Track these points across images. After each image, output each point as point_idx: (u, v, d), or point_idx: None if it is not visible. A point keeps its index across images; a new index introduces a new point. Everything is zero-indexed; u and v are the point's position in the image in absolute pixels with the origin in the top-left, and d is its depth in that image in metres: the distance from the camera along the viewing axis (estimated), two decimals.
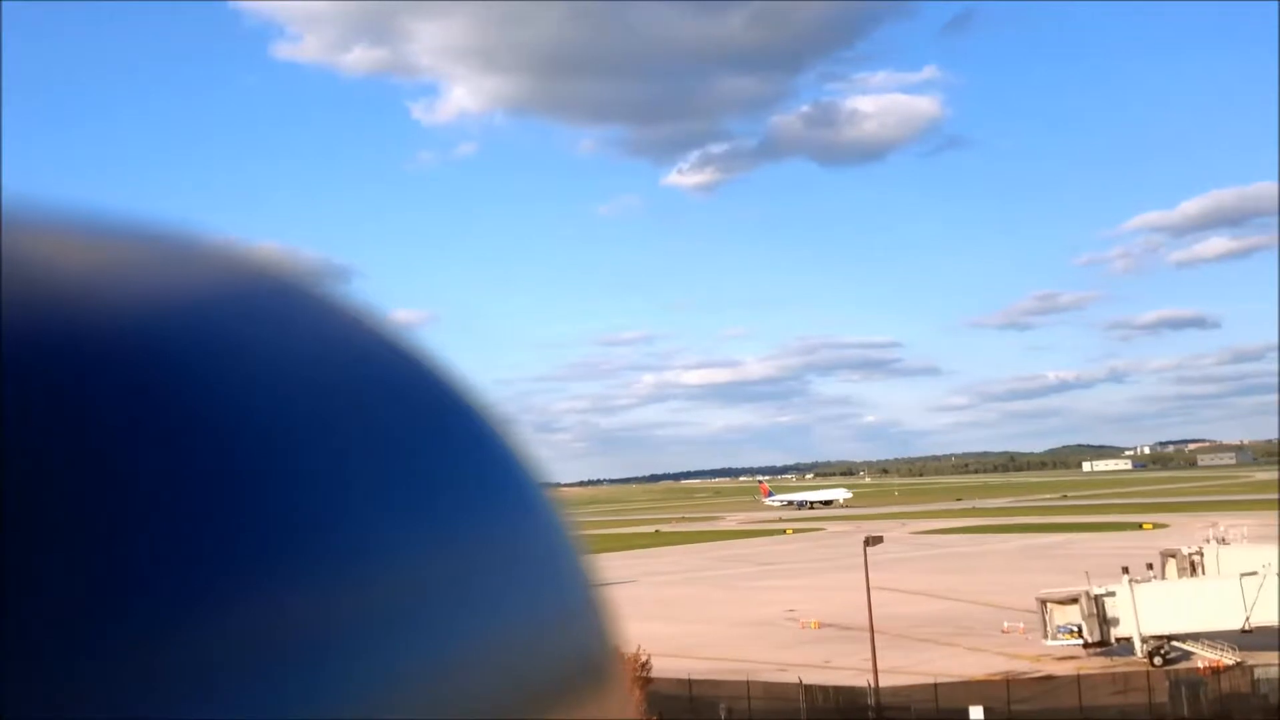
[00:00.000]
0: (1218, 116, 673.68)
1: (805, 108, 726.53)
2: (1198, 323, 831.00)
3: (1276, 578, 72.14)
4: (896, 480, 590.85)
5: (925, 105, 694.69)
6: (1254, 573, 72.68)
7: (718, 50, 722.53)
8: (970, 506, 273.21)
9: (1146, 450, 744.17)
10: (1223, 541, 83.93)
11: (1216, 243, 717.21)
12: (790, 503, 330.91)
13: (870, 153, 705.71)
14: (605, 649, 0.69)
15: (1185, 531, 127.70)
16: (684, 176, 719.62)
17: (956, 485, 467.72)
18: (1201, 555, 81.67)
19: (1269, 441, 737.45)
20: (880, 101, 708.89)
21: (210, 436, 0.43)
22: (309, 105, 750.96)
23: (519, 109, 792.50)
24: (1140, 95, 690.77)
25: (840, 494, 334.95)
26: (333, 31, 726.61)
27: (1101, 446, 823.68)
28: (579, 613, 0.67)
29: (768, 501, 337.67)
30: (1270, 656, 69.34)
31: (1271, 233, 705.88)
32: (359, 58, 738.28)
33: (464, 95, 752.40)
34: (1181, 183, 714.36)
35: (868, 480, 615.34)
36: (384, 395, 0.57)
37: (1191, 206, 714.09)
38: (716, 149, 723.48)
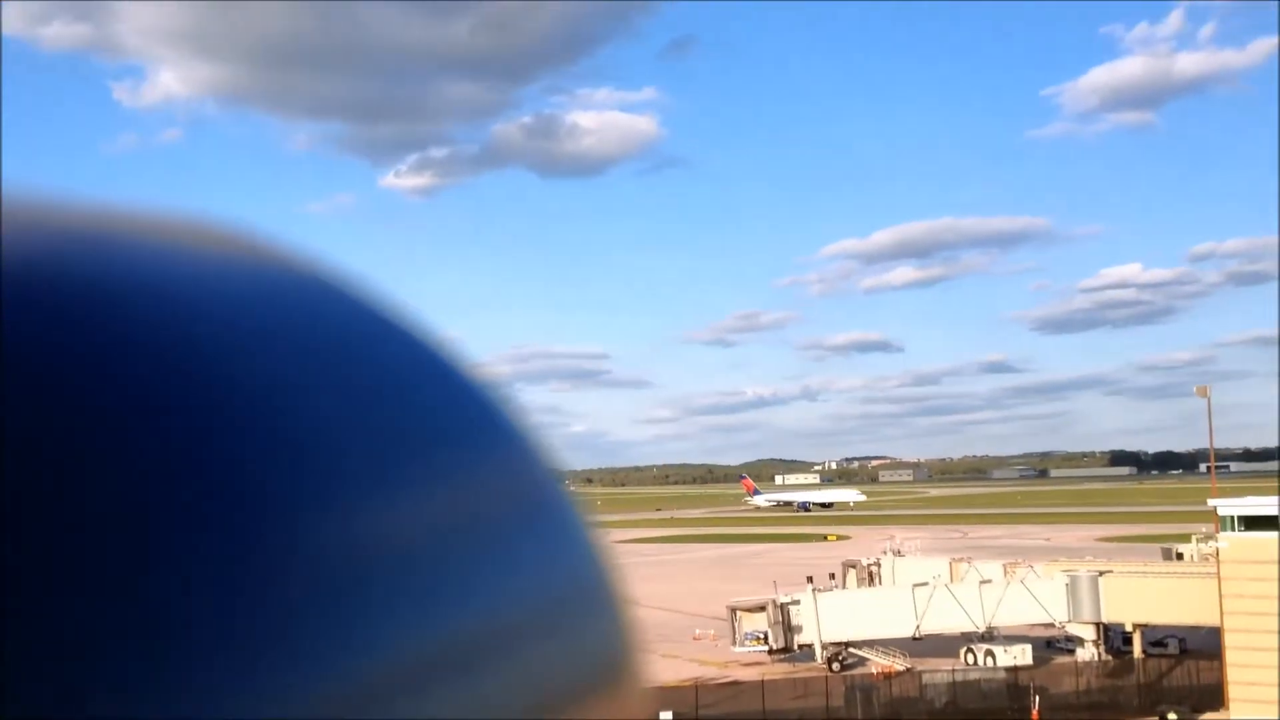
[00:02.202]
0: (909, 153, 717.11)
1: (527, 118, 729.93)
2: (883, 346, 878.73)
3: (945, 588, 77.07)
4: (599, 489, 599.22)
5: (644, 124, 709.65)
6: (925, 583, 77.28)
7: (443, 54, 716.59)
8: (669, 516, 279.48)
9: (833, 465, 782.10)
10: (898, 553, 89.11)
11: (904, 271, 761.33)
12: (784, 503, 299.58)
13: (590, 167, 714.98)
14: (626, 642, 0.67)
15: (865, 543, 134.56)
16: (402, 179, 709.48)
17: (656, 495, 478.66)
18: (879, 566, 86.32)
19: (942, 460, 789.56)
20: (601, 118, 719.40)
21: (212, 423, 0.42)
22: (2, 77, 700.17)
23: (232, 98, 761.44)
24: (843, 129, 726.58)
25: (851, 495, 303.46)
26: (33, 3, 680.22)
27: (793, 461, 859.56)
28: (598, 602, 0.65)
29: (754, 501, 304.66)
30: (938, 662, 73.96)
31: (953, 264, 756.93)
32: (60, 33, 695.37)
33: (172, 80, 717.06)
34: (875, 213, 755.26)
35: (571, 490, 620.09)
36: (394, 376, 0.56)
37: (883, 236, 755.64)
38: (437, 153, 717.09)
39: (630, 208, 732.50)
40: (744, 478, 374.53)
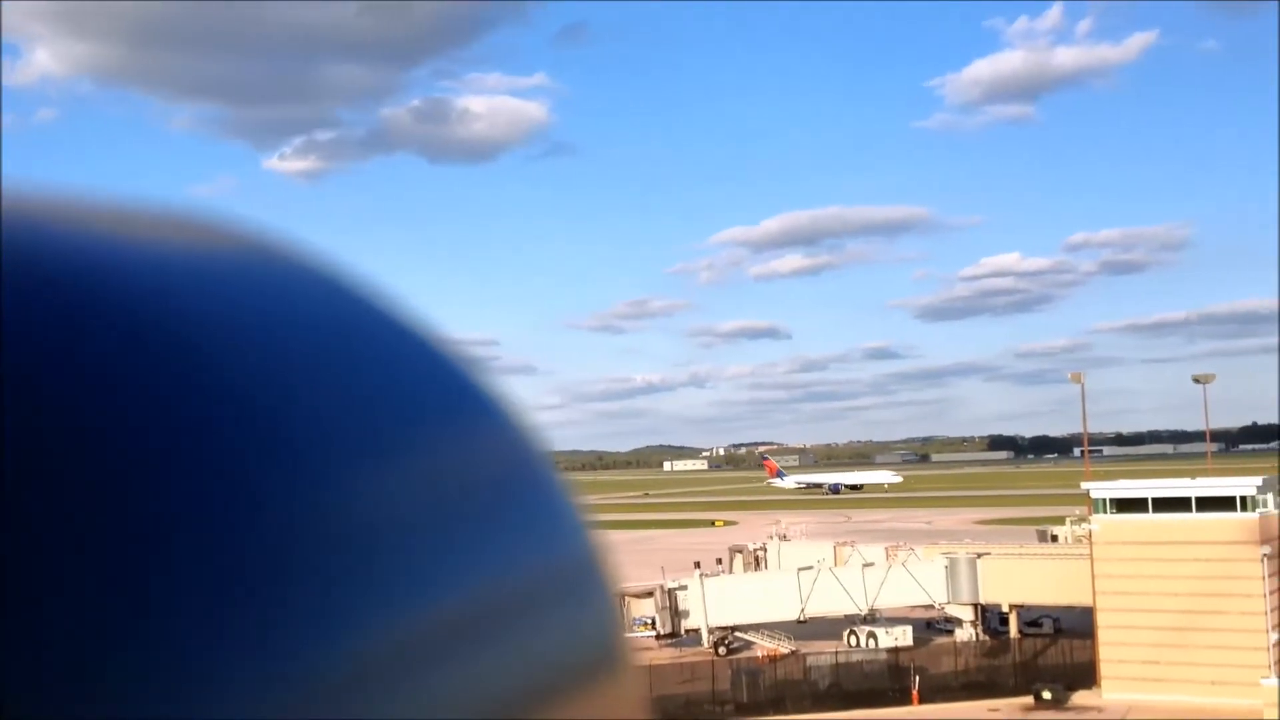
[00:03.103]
0: (798, 142, 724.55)
1: (416, 102, 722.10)
2: (772, 333, 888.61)
3: (829, 572, 78.07)
4: None
5: (534, 110, 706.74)
6: (809, 567, 78.11)
7: (329, 35, 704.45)
8: None
9: (721, 451, 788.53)
10: (783, 538, 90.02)
11: (792, 259, 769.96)
12: (812, 485, 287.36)
13: (479, 153, 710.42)
14: (615, 631, 0.65)
15: (752, 528, 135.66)
16: (286, 162, 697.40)
17: None
18: (765, 550, 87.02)
19: (828, 445, 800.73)
20: (492, 103, 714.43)
21: (202, 405, 0.41)
22: None
23: (109, 78, 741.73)
24: (733, 117, 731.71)
25: (887, 476, 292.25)
26: None
27: (681, 447, 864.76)
28: (590, 584, 0.63)
29: (778, 484, 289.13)
30: (822, 644, 74.91)
31: (839, 253, 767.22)
32: None
33: (47, 58, 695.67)
34: (764, 202, 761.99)
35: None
36: (383, 366, 0.56)
37: (772, 224, 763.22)
38: (323, 136, 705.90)
39: (520, 194, 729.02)
40: (766, 459, 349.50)
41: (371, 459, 0.49)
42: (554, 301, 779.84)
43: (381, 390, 0.54)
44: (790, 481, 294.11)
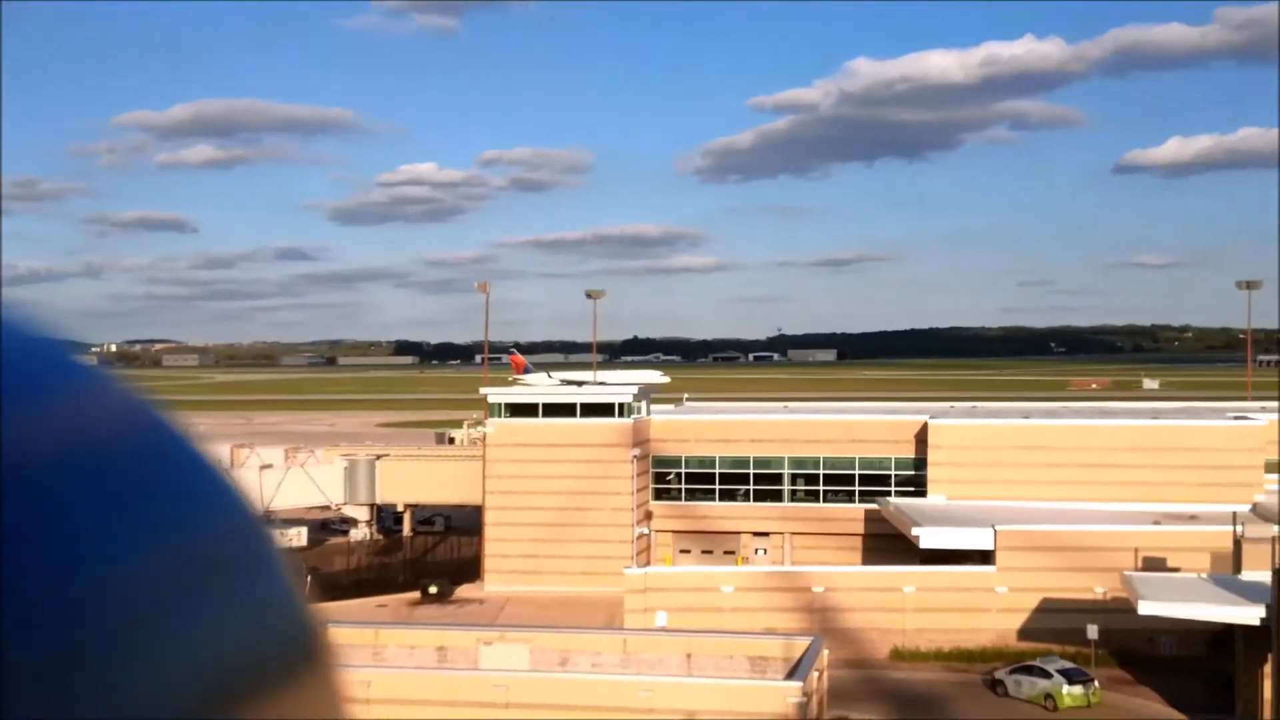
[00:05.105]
0: (214, 26, 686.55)
1: None
2: (176, 226, 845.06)
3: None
4: None
5: None
6: None
7: None
8: None
9: (114, 348, 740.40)
10: None
11: (203, 150, 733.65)
12: (570, 383, 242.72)
13: None
14: (308, 626, 0.62)
15: None
16: None
17: None
18: None
19: (231, 345, 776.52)
20: None
21: None
22: None
23: None
24: None
25: (654, 377, 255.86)
26: None
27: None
28: (273, 590, 0.59)
29: (529, 380, 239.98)
30: None
31: (255, 147, 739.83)
32: None
33: None
34: (175, 85, 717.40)
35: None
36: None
37: (182, 111, 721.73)
38: None
39: None
40: (512, 353, 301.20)
41: None
42: None
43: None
44: (540, 379, 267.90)
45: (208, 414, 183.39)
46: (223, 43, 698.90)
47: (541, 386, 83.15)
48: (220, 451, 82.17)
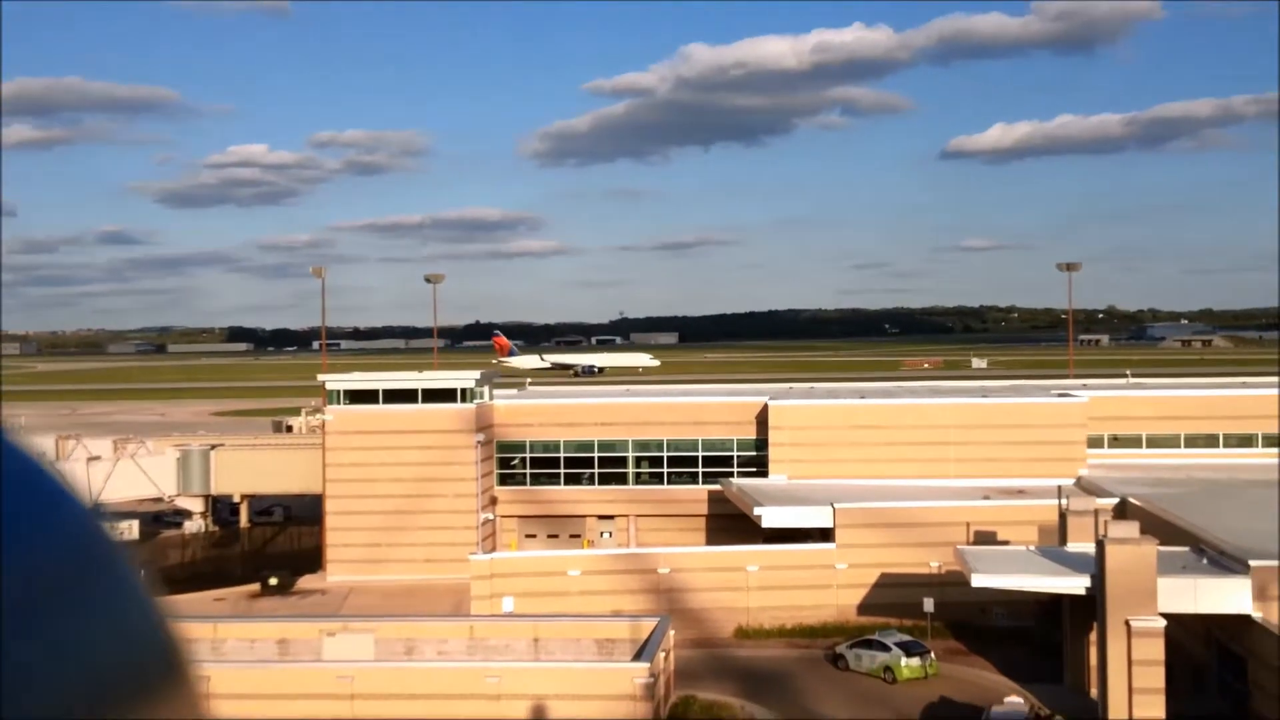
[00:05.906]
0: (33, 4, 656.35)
1: None
2: None
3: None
4: None
5: None
6: None
7: None
8: None
9: None
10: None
11: (20, 130, 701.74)
12: (561, 366, 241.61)
13: None
14: (163, 629, 0.63)
15: None
16: None
17: None
18: None
19: (55, 333, 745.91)
20: None
21: None
22: None
23: None
24: None
25: (643, 359, 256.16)
26: None
27: None
28: (107, 573, 0.62)
29: (511, 363, 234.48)
30: None
31: (76, 128, 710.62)
32: None
33: None
34: None
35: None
36: None
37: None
38: None
39: None
40: (496, 335, 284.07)
41: None
42: None
43: None
44: (528, 361, 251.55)
45: (30, 405, 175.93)
46: (41, 20, 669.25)
47: (376, 374, 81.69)
48: (45, 444, 78.95)
